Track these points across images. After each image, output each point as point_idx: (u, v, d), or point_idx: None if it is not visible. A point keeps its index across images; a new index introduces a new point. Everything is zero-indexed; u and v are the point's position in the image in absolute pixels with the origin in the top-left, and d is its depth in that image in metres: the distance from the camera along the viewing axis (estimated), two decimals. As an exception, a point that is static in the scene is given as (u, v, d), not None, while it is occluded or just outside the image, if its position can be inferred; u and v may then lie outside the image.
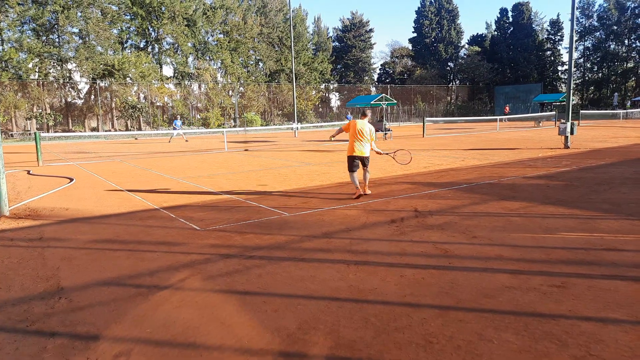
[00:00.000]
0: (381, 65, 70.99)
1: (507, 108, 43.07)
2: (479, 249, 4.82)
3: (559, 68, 65.67)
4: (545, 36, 65.45)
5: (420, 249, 4.90)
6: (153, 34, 45.83)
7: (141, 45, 46.12)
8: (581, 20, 59.91)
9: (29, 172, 13.16)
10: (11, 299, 3.87)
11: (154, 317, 3.42)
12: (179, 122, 29.32)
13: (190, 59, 48.64)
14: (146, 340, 3.08)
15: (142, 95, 43.70)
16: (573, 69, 17.04)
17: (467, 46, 68.48)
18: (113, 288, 4.04)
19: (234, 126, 45.17)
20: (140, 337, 3.12)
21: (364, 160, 8.03)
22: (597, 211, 6.39)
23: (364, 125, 7.95)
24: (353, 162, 7.92)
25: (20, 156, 19.34)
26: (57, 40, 39.83)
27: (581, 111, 37.57)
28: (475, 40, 68.43)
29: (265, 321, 3.29)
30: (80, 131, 40.65)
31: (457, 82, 69.16)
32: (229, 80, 49.19)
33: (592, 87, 61.93)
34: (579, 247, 4.79)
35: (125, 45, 45.23)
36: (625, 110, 42.57)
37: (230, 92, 49.20)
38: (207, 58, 49.04)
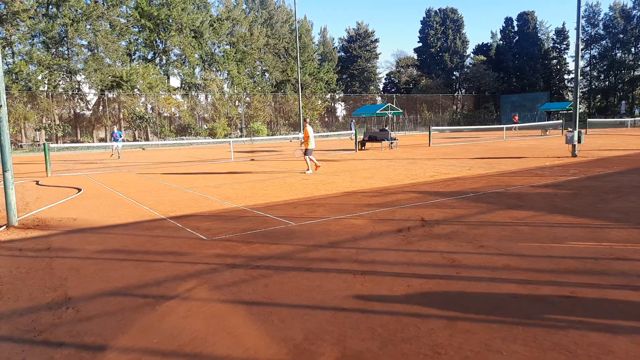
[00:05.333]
0: (387, 74, 71.37)
1: (516, 117, 42.88)
2: (486, 259, 4.79)
3: (565, 76, 65.59)
4: (551, 45, 65.47)
5: (427, 258, 4.87)
6: (161, 45, 46.40)
7: (149, 57, 46.70)
8: (587, 28, 59.90)
9: (37, 183, 13.29)
10: (19, 308, 3.89)
11: (160, 328, 3.42)
12: (116, 134, 23.10)
13: (197, 70, 49.17)
14: (153, 350, 3.08)
15: (149, 106, 44.14)
16: (579, 78, 17.01)
17: (472, 55, 68.67)
18: (120, 298, 4.05)
19: (240, 136, 45.40)
20: (147, 348, 3.12)
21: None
22: (606, 220, 6.33)
23: (311, 130, 13.90)
24: (314, 151, 14.14)
25: (30, 167, 19.54)
26: (66, 52, 40.42)
27: (588, 119, 37.40)
28: (481, 49, 68.57)
29: (272, 331, 3.29)
30: (89, 142, 41.03)
31: (463, 91, 69.21)
32: (235, 90, 49.57)
33: (599, 96, 61.71)
34: (587, 256, 4.74)
35: (133, 57, 45.83)
36: (632, 119, 42.30)
37: (237, 102, 49.55)
38: (214, 69, 49.52)
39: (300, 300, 3.86)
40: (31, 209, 8.74)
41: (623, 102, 55.28)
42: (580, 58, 16.50)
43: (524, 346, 2.95)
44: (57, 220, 7.58)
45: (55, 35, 38.63)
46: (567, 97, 63.54)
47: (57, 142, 37.50)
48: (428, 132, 26.71)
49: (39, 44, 39.23)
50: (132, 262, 5.12)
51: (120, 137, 23.47)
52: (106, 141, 40.75)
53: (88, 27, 40.24)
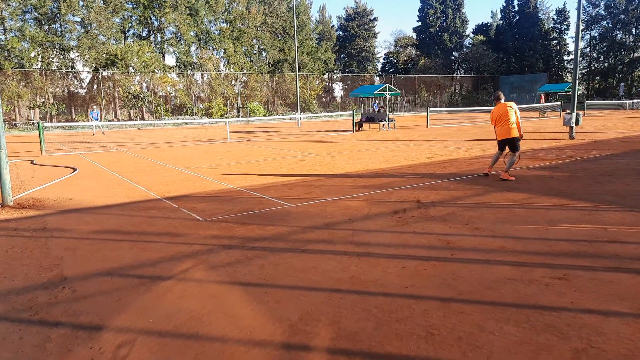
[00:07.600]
0: (385, 54, 70.60)
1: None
2: (481, 241, 4.81)
3: (565, 57, 65.05)
4: (551, 25, 64.73)
5: (422, 240, 4.90)
6: (155, 22, 45.60)
7: (143, 34, 45.95)
8: (588, 9, 59.18)
9: (32, 162, 13.20)
10: (15, 288, 3.90)
11: (157, 308, 3.44)
12: (94, 114, 28.07)
13: (193, 48, 48.51)
14: (149, 330, 3.10)
15: (144, 85, 43.64)
16: (579, 59, 16.89)
17: (472, 35, 67.89)
18: (116, 278, 4.06)
19: (237, 116, 45.08)
20: (143, 328, 3.14)
21: None
22: (601, 203, 6.36)
23: None
24: None
25: (24, 146, 19.39)
26: (59, 29, 39.70)
27: (587, 101, 37.27)
28: (481, 29, 67.76)
29: (267, 312, 3.31)
30: (84, 121, 40.64)
31: (462, 71, 68.66)
32: (231, 69, 49.00)
33: (598, 77, 61.39)
34: (581, 239, 4.78)
35: (127, 34, 45.08)
36: (631, 101, 42.19)
37: (233, 81, 49.03)
38: (210, 47, 48.82)
39: (296, 281, 3.88)
40: (26, 189, 8.69)
41: (622, 84, 55.06)
42: (580, 39, 16.34)
43: (517, 327, 2.98)
44: (53, 200, 7.56)
45: (47, 11, 37.87)
46: (566, 79, 63.17)
47: (51, 121, 37.14)
48: (426, 113, 26.58)
49: (31, 20, 38.50)
50: (128, 242, 5.12)
51: (98, 115, 28.40)
52: (101, 120, 40.39)
53: (81, 3, 39.44)
